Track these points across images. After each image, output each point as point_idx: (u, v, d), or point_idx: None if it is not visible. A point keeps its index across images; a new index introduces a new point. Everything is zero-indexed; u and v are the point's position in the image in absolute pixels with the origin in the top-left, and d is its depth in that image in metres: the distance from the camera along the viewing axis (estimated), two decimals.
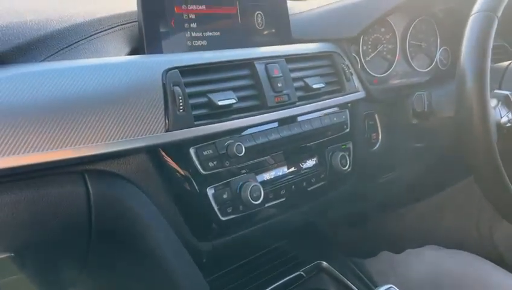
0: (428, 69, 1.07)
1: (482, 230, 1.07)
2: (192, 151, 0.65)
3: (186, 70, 0.65)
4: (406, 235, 0.98)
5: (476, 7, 0.73)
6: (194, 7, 0.75)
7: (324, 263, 0.89)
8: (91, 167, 0.58)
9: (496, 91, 0.79)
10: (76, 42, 0.64)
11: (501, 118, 0.75)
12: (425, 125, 0.90)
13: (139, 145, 0.59)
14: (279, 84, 0.75)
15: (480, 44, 0.70)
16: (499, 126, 0.74)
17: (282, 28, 0.87)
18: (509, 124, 0.76)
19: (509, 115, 0.76)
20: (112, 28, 0.70)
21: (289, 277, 0.87)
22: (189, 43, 0.74)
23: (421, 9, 1.03)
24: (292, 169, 0.78)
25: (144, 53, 0.69)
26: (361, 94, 0.90)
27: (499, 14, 0.71)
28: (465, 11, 0.75)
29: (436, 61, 1.08)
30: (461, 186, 1.12)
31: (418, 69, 1.05)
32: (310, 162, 0.81)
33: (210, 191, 0.67)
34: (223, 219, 0.68)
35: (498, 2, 0.72)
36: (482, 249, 0.91)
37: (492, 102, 0.76)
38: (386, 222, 1.18)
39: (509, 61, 0.84)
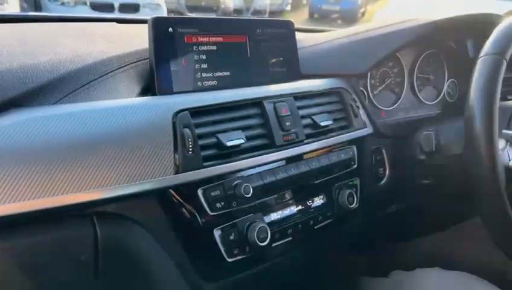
0: (436, 101, 1.07)
1: (496, 265, 1.06)
2: (200, 192, 0.65)
3: (196, 112, 0.66)
4: (417, 263, 0.97)
5: (485, 49, 0.73)
6: (204, 38, 0.76)
7: None
8: (100, 210, 0.58)
9: (504, 131, 0.79)
10: (88, 83, 0.65)
11: (510, 160, 0.74)
12: (433, 162, 0.90)
13: (149, 188, 0.59)
14: (287, 123, 0.76)
15: (489, 87, 0.70)
16: (508, 170, 0.73)
17: (290, 64, 0.87)
18: None
19: None
20: (124, 66, 0.71)
21: None
22: (199, 83, 0.75)
23: (429, 43, 1.04)
24: (299, 208, 0.78)
25: (154, 92, 0.70)
26: (369, 130, 0.90)
27: (508, 56, 0.72)
28: (474, 44, 0.75)
29: (444, 94, 1.08)
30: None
31: (425, 102, 1.05)
32: (317, 201, 0.81)
33: (217, 233, 0.67)
34: (229, 260, 0.68)
35: (507, 45, 0.72)
36: (495, 281, 0.90)
37: (501, 143, 0.76)
38: (396, 250, 1.17)
39: None
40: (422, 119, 1.01)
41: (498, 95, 0.70)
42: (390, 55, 0.93)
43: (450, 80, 1.09)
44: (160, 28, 0.71)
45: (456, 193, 0.91)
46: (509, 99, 1.00)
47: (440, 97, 1.08)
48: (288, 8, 9.96)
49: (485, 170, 0.69)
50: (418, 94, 1.04)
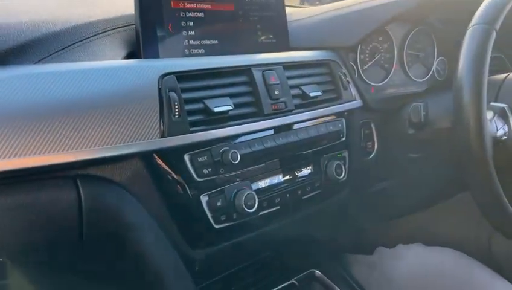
0: (425, 78, 1.07)
1: (481, 240, 1.07)
2: (186, 157, 0.64)
3: (182, 76, 0.65)
4: (402, 241, 0.97)
5: (474, 20, 0.73)
6: (191, 4, 0.75)
7: (317, 271, 0.89)
8: (83, 172, 0.57)
9: (492, 104, 0.79)
10: (72, 44, 0.63)
11: (497, 131, 0.75)
12: (421, 136, 0.90)
13: (133, 150, 0.58)
14: (276, 92, 0.75)
15: (478, 57, 0.70)
16: (495, 139, 0.74)
17: (280, 35, 0.87)
18: (505, 137, 0.76)
19: (505, 128, 0.76)
20: (109, 31, 0.70)
21: (282, 285, 0.86)
22: (186, 51, 0.73)
23: (419, 19, 1.03)
24: (287, 177, 0.78)
25: (140, 57, 0.69)
26: (358, 103, 0.90)
27: (497, 27, 0.71)
28: (463, 22, 0.75)
29: (433, 71, 1.08)
30: (462, 194, 1.12)
31: (414, 79, 1.05)
32: (305, 171, 0.81)
33: (204, 199, 0.66)
34: (217, 226, 0.68)
35: (496, 15, 0.72)
36: (479, 257, 0.91)
37: (489, 114, 0.76)
38: (382, 229, 1.18)
39: (506, 74, 0.84)
40: (411, 94, 1.00)
41: (487, 65, 0.70)
42: (379, 29, 0.92)
43: (439, 58, 1.09)
44: None
45: (443, 168, 0.92)
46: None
47: (429, 75, 1.08)
48: None
49: (473, 139, 0.69)
50: (408, 71, 1.04)
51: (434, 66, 1.08)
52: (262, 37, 0.85)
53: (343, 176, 0.84)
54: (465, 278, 0.81)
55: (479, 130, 0.69)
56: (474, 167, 0.70)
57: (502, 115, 0.77)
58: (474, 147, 0.69)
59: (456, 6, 0.99)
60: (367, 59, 0.97)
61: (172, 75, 0.63)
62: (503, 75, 0.84)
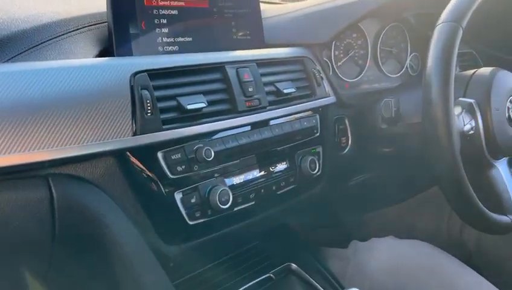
0: (399, 74, 1.09)
1: (453, 229, 1.10)
2: (160, 155, 0.64)
3: (155, 74, 0.65)
4: (376, 234, 1.00)
5: (442, 17, 0.75)
6: (164, 2, 0.75)
7: (293, 264, 0.91)
8: (55, 171, 0.57)
9: (460, 99, 0.81)
10: (42, 43, 0.63)
11: (464, 125, 0.77)
12: (394, 131, 0.92)
13: (105, 149, 0.58)
14: (250, 89, 0.75)
15: (445, 54, 0.72)
16: (462, 134, 0.76)
17: (254, 32, 0.87)
18: (472, 132, 0.78)
19: (472, 123, 0.78)
20: (80, 28, 0.69)
21: (258, 279, 0.88)
22: (160, 48, 0.73)
23: (392, 15, 1.05)
24: (262, 173, 0.79)
25: (113, 55, 0.69)
26: (331, 99, 0.91)
27: (464, 24, 0.73)
28: (435, 18, 0.77)
29: (407, 67, 1.11)
30: (434, 187, 1.14)
31: (388, 75, 1.07)
32: (280, 166, 0.82)
33: (178, 196, 0.67)
34: (191, 223, 0.68)
35: (463, 13, 0.74)
36: (451, 249, 0.94)
37: (457, 110, 0.78)
38: (356, 223, 1.20)
39: (474, 70, 0.87)
40: (385, 90, 1.02)
41: (454, 61, 0.72)
42: (352, 25, 0.93)
43: (412, 54, 1.12)
44: None
45: (415, 162, 0.94)
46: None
47: (403, 70, 1.10)
48: None
49: (441, 134, 0.71)
50: (382, 67, 1.05)
51: (407, 61, 1.11)
52: (237, 34, 0.85)
53: (318, 171, 0.85)
54: (435, 269, 0.84)
55: (447, 125, 0.70)
56: (441, 161, 0.72)
57: (470, 110, 0.79)
58: (442, 141, 0.71)
59: (428, 2, 1.01)
60: (341, 55, 0.99)
61: (144, 73, 0.63)
62: (471, 71, 0.86)
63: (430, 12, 1.04)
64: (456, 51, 0.72)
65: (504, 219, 0.79)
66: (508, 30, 0.96)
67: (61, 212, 0.57)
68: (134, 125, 0.60)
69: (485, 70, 0.85)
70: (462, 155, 0.73)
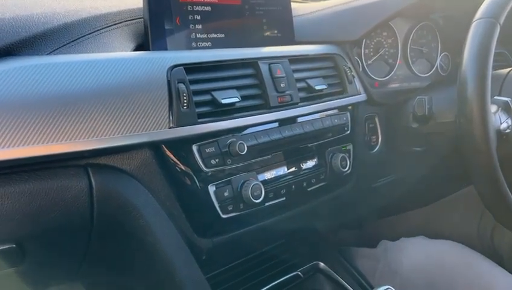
0: (429, 74, 1.08)
1: (483, 233, 1.08)
2: (195, 148, 0.65)
3: (191, 68, 0.66)
4: (405, 235, 0.98)
5: (479, 13, 0.74)
6: None
7: (321, 263, 0.90)
8: (94, 161, 0.58)
9: (496, 97, 0.80)
10: (82, 36, 0.64)
11: (501, 124, 0.75)
12: (425, 130, 0.91)
13: (142, 140, 0.59)
14: (282, 85, 0.76)
15: (482, 50, 0.71)
16: (499, 132, 0.74)
17: (285, 30, 0.87)
18: (508, 130, 0.76)
19: (509, 121, 0.77)
20: (118, 23, 0.71)
21: (286, 276, 0.87)
22: (193, 44, 0.74)
23: (423, 15, 1.04)
24: (293, 169, 0.79)
25: (148, 50, 0.70)
26: (362, 97, 0.91)
27: (502, 21, 0.72)
28: (466, 18, 0.76)
29: (437, 67, 1.09)
30: (465, 189, 1.12)
31: (418, 74, 1.06)
32: (311, 163, 0.82)
33: (211, 189, 0.67)
34: (224, 216, 0.69)
35: (501, 9, 0.72)
36: (482, 252, 0.92)
37: (493, 108, 0.77)
38: (386, 223, 1.19)
39: (509, 68, 0.85)
40: (415, 89, 1.01)
41: (491, 59, 0.71)
42: (383, 23, 0.93)
43: (443, 54, 1.10)
44: None
45: (446, 161, 0.92)
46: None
47: (433, 70, 1.08)
48: None
49: (477, 132, 0.70)
50: (412, 66, 1.04)
51: (438, 61, 1.09)
52: (268, 31, 0.86)
53: (348, 169, 0.85)
54: (465, 270, 0.82)
55: (483, 123, 0.69)
56: (478, 159, 0.71)
57: (506, 108, 0.78)
58: (478, 139, 0.70)
59: (459, 2, 1.00)
60: (371, 54, 0.98)
61: (181, 67, 0.64)
62: (507, 70, 0.85)
63: (460, 13, 1.02)
64: (493, 47, 0.71)
65: None
66: None
67: (99, 201, 0.58)
68: (171, 118, 0.61)
69: None
70: (498, 154, 0.71)
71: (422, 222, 1.15)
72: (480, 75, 0.70)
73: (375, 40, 0.98)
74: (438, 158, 0.94)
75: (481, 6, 0.74)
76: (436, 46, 1.09)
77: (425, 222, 1.14)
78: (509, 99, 0.79)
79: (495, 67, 1.14)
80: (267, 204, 0.74)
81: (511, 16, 0.74)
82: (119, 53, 0.64)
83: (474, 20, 0.74)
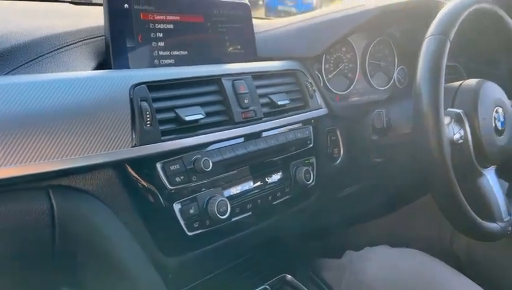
0: (387, 87, 1.12)
1: (443, 239, 1.12)
2: (159, 166, 0.65)
3: (153, 86, 0.66)
4: (369, 244, 1.01)
5: (430, 30, 0.77)
6: (160, 16, 0.76)
7: (288, 276, 0.91)
8: (55, 183, 0.57)
9: (449, 109, 0.83)
10: (40, 56, 0.63)
11: (454, 134, 0.79)
12: (384, 141, 0.94)
13: (105, 160, 0.58)
14: (245, 101, 0.77)
15: (435, 65, 0.74)
16: (452, 143, 0.78)
17: (247, 46, 0.89)
18: (461, 141, 0.80)
19: (461, 132, 0.81)
20: (78, 42, 0.70)
21: None
22: (156, 61, 0.75)
23: (379, 30, 1.08)
24: (258, 183, 0.80)
25: (110, 68, 0.69)
26: (324, 111, 0.93)
27: (451, 37, 0.76)
28: (420, 33, 0.79)
29: (394, 80, 1.13)
30: (425, 197, 1.16)
31: (377, 87, 1.10)
32: (275, 177, 0.83)
33: (177, 206, 0.67)
34: (190, 233, 0.68)
35: (450, 26, 0.77)
36: (443, 258, 0.95)
37: (446, 120, 0.80)
38: (351, 233, 1.21)
39: (461, 81, 0.90)
40: (374, 102, 1.05)
41: (443, 72, 0.74)
42: (341, 40, 0.96)
43: (400, 67, 1.15)
44: (115, 4, 0.70)
45: (405, 171, 0.96)
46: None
47: (391, 83, 1.13)
48: None
49: (431, 143, 0.73)
50: (370, 80, 1.08)
51: (395, 74, 1.14)
52: (231, 48, 0.87)
53: (312, 181, 0.87)
54: (429, 277, 0.85)
55: (437, 135, 0.73)
56: (433, 170, 0.74)
57: (458, 119, 0.82)
58: (433, 150, 0.73)
59: (413, 17, 1.05)
60: (331, 69, 1.01)
61: (143, 85, 0.64)
62: (458, 83, 0.89)
63: (415, 28, 1.07)
64: (444, 62, 0.75)
65: (494, 226, 0.81)
66: (489, 43, 1.00)
67: (61, 223, 0.56)
68: (133, 136, 0.61)
69: (472, 81, 0.88)
70: (452, 164, 0.75)
71: (385, 231, 1.18)
72: (434, 88, 0.74)
73: (334, 56, 1.01)
74: (397, 169, 0.98)
75: (432, 24, 0.78)
76: (393, 60, 1.14)
77: (389, 231, 1.18)
78: (462, 111, 0.83)
79: (448, 80, 1.20)
80: (233, 219, 0.75)
81: (461, 32, 0.79)
82: (79, 72, 0.63)
83: (426, 36, 0.77)
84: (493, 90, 0.88)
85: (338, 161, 0.99)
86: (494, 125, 0.85)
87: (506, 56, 0.97)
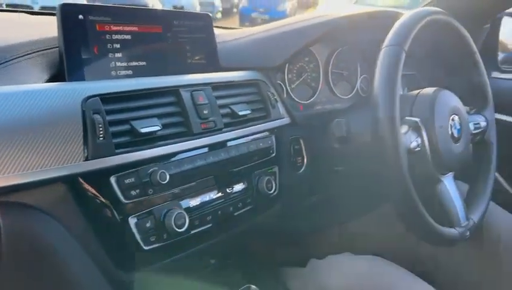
0: (350, 95, 1.14)
1: (408, 245, 1.13)
2: (113, 179, 0.64)
3: (108, 98, 0.65)
4: (333, 251, 1.02)
5: (386, 41, 0.79)
6: (117, 27, 0.75)
7: (253, 286, 0.90)
8: (3, 199, 0.55)
9: (406, 118, 0.85)
10: None
11: (411, 143, 0.81)
12: (346, 150, 0.95)
13: (56, 175, 0.57)
14: (205, 111, 0.76)
15: (390, 75, 0.76)
16: (410, 151, 0.80)
17: (209, 56, 0.89)
18: (418, 149, 0.82)
19: (418, 140, 0.82)
20: (30, 53, 0.68)
21: None
22: (113, 73, 0.74)
23: (341, 40, 1.10)
24: (219, 195, 0.79)
25: (64, 80, 0.68)
26: (286, 120, 0.94)
27: (406, 47, 0.78)
28: (381, 42, 0.81)
29: (357, 89, 1.15)
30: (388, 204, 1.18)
31: (340, 96, 1.11)
32: (237, 187, 0.82)
33: (132, 221, 0.66)
34: (146, 248, 0.67)
35: (405, 37, 0.78)
36: (407, 263, 0.97)
37: (403, 128, 0.82)
38: (313, 241, 1.22)
39: (419, 90, 0.91)
40: (337, 111, 1.06)
41: (399, 82, 0.76)
42: (303, 49, 0.97)
43: (362, 76, 1.17)
44: (69, 15, 0.69)
45: (366, 179, 0.97)
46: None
47: (354, 92, 1.14)
48: (219, 15, 10.09)
49: (389, 152, 0.74)
50: (333, 89, 1.09)
51: (358, 83, 1.15)
52: (192, 58, 0.87)
53: (274, 191, 0.87)
54: (389, 285, 0.86)
55: (394, 143, 0.74)
56: (391, 177, 0.75)
57: (415, 128, 0.83)
58: (390, 159, 0.74)
59: (374, 28, 1.07)
60: (295, 78, 1.02)
61: (96, 97, 0.63)
62: (416, 91, 0.91)
63: (376, 37, 1.10)
64: (400, 72, 0.76)
65: (452, 231, 0.82)
66: (445, 53, 1.02)
67: (9, 241, 0.55)
68: (86, 150, 0.60)
69: (429, 90, 0.90)
70: (411, 172, 0.76)
71: (348, 237, 1.19)
72: (389, 98, 0.75)
73: (297, 65, 1.02)
74: (359, 176, 0.99)
75: (388, 35, 0.80)
76: (356, 69, 1.15)
77: (353, 238, 1.19)
78: (419, 119, 0.84)
79: (410, 89, 1.23)
80: (192, 232, 0.74)
81: (419, 42, 0.81)
82: (31, 85, 0.62)
83: (382, 47, 0.79)
84: (449, 99, 0.90)
85: (301, 170, 0.99)
86: (450, 132, 0.87)
87: (462, 65, 1.00)
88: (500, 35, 1.35)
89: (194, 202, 0.75)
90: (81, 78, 0.70)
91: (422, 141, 0.83)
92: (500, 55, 1.43)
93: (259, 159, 0.87)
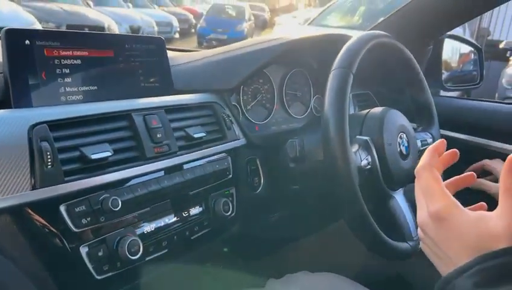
0: (304, 115, 1.16)
1: (364, 261, 1.15)
2: (62, 208, 0.62)
3: (56, 125, 0.63)
4: (292, 270, 1.02)
5: (335, 64, 0.82)
6: (67, 52, 0.74)
7: None
8: None
9: (357, 137, 0.88)
10: None
11: (361, 161, 0.84)
12: (300, 169, 0.97)
13: (1, 206, 0.55)
14: (158, 135, 0.76)
15: (339, 97, 0.79)
16: (360, 169, 0.82)
17: (163, 79, 0.89)
18: (369, 166, 0.85)
19: (369, 158, 0.85)
20: None
21: None
22: (63, 98, 0.72)
23: (294, 61, 1.13)
24: (174, 219, 0.78)
25: (10, 107, 0.66)
26: (242, 141, 0.94)
27: (354, 70, 0.81)
28: (332, 64, 0.84)
29: (311, 108, 1.18)
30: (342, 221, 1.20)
31: (295, 116, 1.13)
32: (193, 211, 0.82)
33: (83, 250, 0.64)
34: (99, 277, 0.65)
35: (352, 60, 0.82)
36: (364, 278, 0.98)
37: (354, 147, 0.85)
38: (273, 261, 1.22)
39: (368, 110, 0.95)
40: (293, 131, 1.08)
41: (347, 103, 0.79)
42: (257, 72, 0.99)
43: (316, 96, 1.20)
44: (14, 40, 0.68)
45: (321, 197, 0.99)
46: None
47: (308, 112, 1.17)
48: (177, 36, 10.10)
49: (340, 170, 0.76)
50: (288, 109, 1.12)
51: (311, 103, 1.18)
52: (145, 82, 0.86)
53: (231, 212, 0.87)
54: None
55: (345, 162, 0.76)
56: (342, 195, 0.77)
57: (365, 146, 0.86)
58: (341, 177, 0.76)
59: (326, 50, 1.10)
60: (250, 100, 1.03)
61: (44, 124, 0.62)
62: (366, 111, 0.94)
63: (328, 59, 1.14)
64: (347, 93, 0.79)
65: (404, 245, 0.85)
66: (392, 73, 1.07)
67: None
68: (32, 178, 0.58)
69: (377, 110, 0.93)
70: (363, 189, 0.78)
71: (308, 254, 1.20)
72: (339, 118, 0.78)
73: (252, 87, 1.04)
74: (313, 195, 1.01)
75: (337, 58, 0.83)
76: (309, 90, 1.19)
77: (309, 255, 1.20)
78: (369, 138, 0.88)
79: (361, 107, 1.27)
80: (147, 259, 0.72)
81: (368, 63, 0.84)
82: None
83: (331, 70, 0.82)
84: (397, 117, 0.94)
85: (259, 190, 1.00)
86: (399, 150, 0.90)
87: (407, 84, 1.05)
88: (444, 55, 1.43)
89: (149, 227, 0.74)
90: (29, 105, 0.68)
91: (373, 158, 0.86)
92: (445, 74, 1.52)
93: (216, 181, 0.87)
